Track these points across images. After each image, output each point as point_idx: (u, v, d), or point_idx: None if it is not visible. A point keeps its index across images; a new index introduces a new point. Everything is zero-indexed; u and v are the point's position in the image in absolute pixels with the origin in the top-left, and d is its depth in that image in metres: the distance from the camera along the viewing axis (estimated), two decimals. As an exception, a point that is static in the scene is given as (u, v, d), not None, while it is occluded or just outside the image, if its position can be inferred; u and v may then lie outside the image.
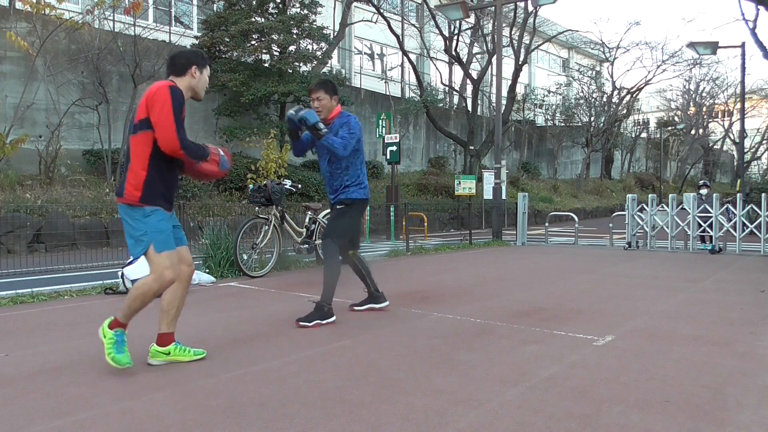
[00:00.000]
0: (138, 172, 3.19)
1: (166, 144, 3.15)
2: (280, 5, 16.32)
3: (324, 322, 4.32)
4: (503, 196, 13.59)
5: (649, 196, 11.64)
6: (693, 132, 38.96)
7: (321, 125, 4.30)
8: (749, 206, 10.70)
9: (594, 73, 35.59)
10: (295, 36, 15.82)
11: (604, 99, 32.10)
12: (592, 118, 31.18)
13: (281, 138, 14.92)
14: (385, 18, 20.71)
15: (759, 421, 2.59)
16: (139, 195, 3.18)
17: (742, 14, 17.55)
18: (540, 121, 32.58)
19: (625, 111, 33.87)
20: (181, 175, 3.45)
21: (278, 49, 15.95)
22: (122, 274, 5.78)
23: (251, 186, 8.33)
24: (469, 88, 25.59)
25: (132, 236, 3.23)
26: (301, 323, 4.24)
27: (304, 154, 4.67)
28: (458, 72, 27.07)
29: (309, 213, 7.86)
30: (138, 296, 3.21)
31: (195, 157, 3.31)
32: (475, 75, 24.46)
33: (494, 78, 16.87)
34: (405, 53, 22.54)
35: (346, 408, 2.70)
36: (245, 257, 6.96)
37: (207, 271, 6.91)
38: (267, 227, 7.11)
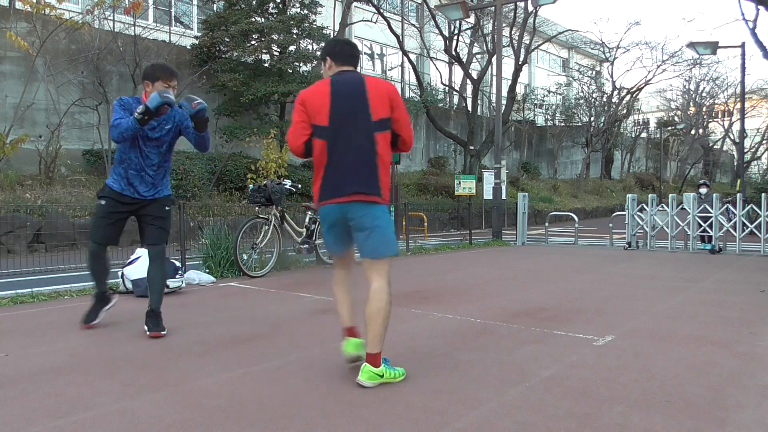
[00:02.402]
0: (387, 170, 3.08)
1: (409, 144, 3.16)
2: (280, 5, 16.32)
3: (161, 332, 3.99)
4: (503, 196, 13.58)
5: (649, 196, 11.63)
6: (693, 132, 38.97)
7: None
8: (749, 206, 10.70)
9: (594, 73, 35.60)
10: (295, 36, 15.82)
11: (604, 99, 32.11)
12: (592, 118, 31.20)
13: (281, 138, 14.92)
14: (385, 18, 20.71)
15: (759, 421, 2.59)
16: (388, 194, 3.09)
17: (742, 14, 17.56)
18: (540, 121, 32.58)
19: (625, 111, 33.88)
20: None
21: (278, 49, 15.95)
22: (122, 274, 5.78)
23: (251, 186, 8.33)
24: (469, 88, 25.59)
25: (385, 236, 3.02)
26: (159, 334, 3.96)
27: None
28: (458, 72, 27.06)
29: (309, 213, 7.86)
30: (386, 314, 2.96)
31: None
32: (475, 75, 24.46)
33: (494, 78, 16.87)
34: (405, 53, 22.54)
35: (346, 408, 2.70)
36: (245, 257, 6.96)
37: (207, 271, 6.91)
38: (267, 227, 7.11)
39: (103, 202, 4.11)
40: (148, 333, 3.98)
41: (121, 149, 4.07)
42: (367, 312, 2.97)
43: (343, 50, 3.19)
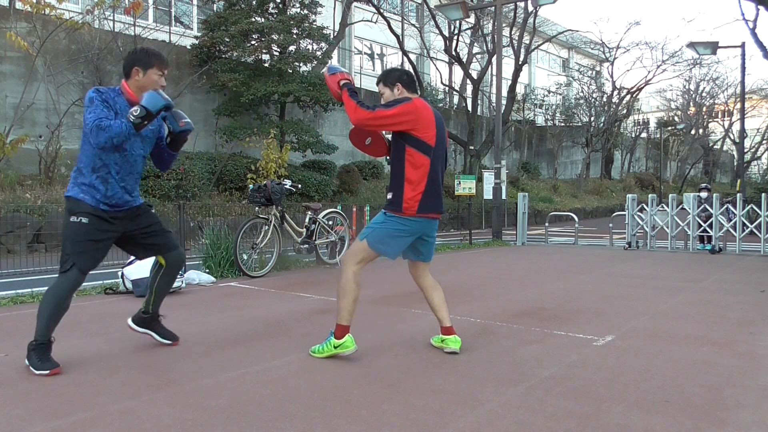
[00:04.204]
0: None
1: None
2: (280, 5, 16.31)
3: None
4: (503, 196, 13.57)
5: (649, 196, 11.63)
6: (693, 132, 38.96)
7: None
8: (749, 206, 10.70)
9: (594, 73, 35.59)
10: (295, 36, 15.81)
11: (604, 99, 32.09)
12: (592, 118, 31.18)
13: (281, 138, 14.91)
14: (385, 18, 20.71)
15: (759, 421, 2.59)
16: None
17: (742, 14, 17.55)
18: (540, 121, 32.57)
19: (625, 111, 33.86)
20: None
21: (278, 49, 15.94)
22: (122, 274, 5.78)
23: (251, 186, 8.32)
24: (469, 88, 25.58)
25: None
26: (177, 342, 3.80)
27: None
28: (458, 72, 27.05)
29: (309, 213, 7.86)
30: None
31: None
32: (475, 75, 24.46)
33: (494, 78, 16.86)
34: (405, 53, 22.53)
35: (346, 408, 2.70)
36: (245, 257, 6.96)
37: (207, 271, 6.91)
38: (267, 227, 7.11)
39: (85, 220, 3.30)
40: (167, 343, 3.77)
41: (96, 153, 3.29)
42: (438, 299, 3.67)
43: (412, 80, 3.67)
